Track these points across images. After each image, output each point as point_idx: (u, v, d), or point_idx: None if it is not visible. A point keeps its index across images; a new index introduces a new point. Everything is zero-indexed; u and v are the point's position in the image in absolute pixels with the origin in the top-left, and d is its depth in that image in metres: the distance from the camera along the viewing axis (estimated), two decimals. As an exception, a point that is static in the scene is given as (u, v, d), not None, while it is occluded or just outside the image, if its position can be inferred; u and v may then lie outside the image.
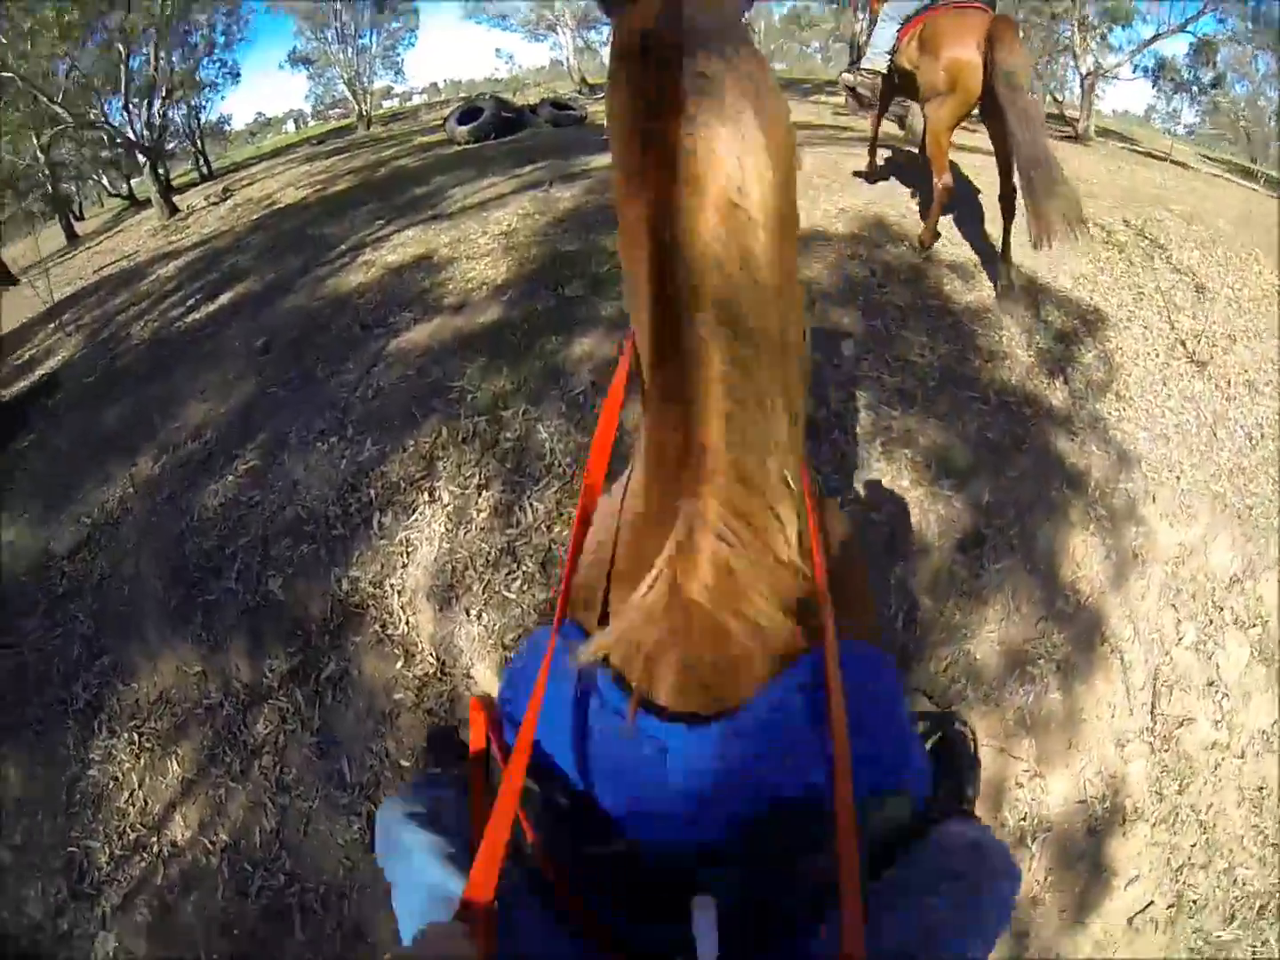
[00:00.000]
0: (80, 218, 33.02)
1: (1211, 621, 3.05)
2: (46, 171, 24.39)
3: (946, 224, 4.86)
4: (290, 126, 58.05)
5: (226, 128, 43.22)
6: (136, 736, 2.78)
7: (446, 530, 3.03)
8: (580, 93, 23.35)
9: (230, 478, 3.48)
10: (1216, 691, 2.88)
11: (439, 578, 2.91)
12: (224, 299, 5.81)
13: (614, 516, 1.03)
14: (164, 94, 16.18)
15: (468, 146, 10.97)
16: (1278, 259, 5.46)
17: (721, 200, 0.70)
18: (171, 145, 28.20)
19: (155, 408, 4.31)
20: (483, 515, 3.06)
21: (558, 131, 11.27)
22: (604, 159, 6.86)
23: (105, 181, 30.08)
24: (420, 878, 1.10)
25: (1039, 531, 3.10)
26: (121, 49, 15.11)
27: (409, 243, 5.51)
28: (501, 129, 11.60)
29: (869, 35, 5.55)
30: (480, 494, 3.12)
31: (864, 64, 5.68)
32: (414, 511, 3.11)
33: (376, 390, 3.70)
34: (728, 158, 0.70)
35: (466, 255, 4.93)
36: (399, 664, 2.75)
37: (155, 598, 3.11)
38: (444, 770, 2.24)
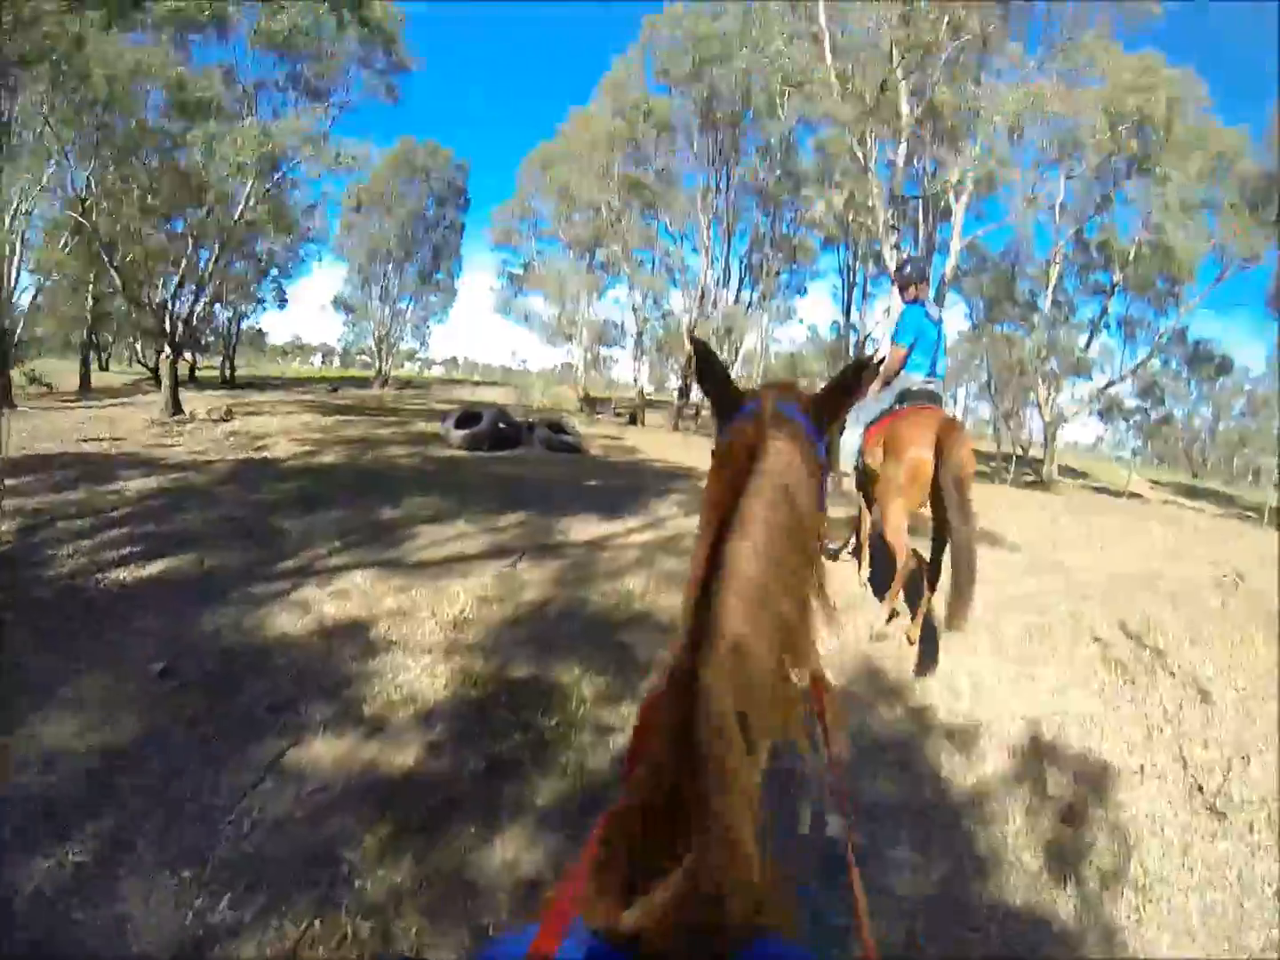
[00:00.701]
0: (105, 368, 33.53)
1: None
2: (89, 316, 25.01)
3: (957, 672, 4.52)
4: (318, 360, 60.95)
5: (265, 339, 45.47)
6: None
7: None
8: (581, 407, 24.50)
9: (49, 867, 2.77)
10: None
11: None
12: (156, 568, 5.35)
13: None
14: (209, 297, 16.61)
15: (458, 454, 11.00)
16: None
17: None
18: (209, 340, 29.58)
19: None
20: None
21: (550, 458, 11.35)
22: (583, 528, 6.71)
23: (138, 347, 31.41)
24: None
25: None
26: (190, 241, 15.75)
27: (354, 592, 5.07)
28: (496, 441, 11.69)
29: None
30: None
31: (841, 469, 5.97)
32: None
33: (256, 823, 3.06)
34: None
35: (406, 644, 4.42)
36: None
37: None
38: None
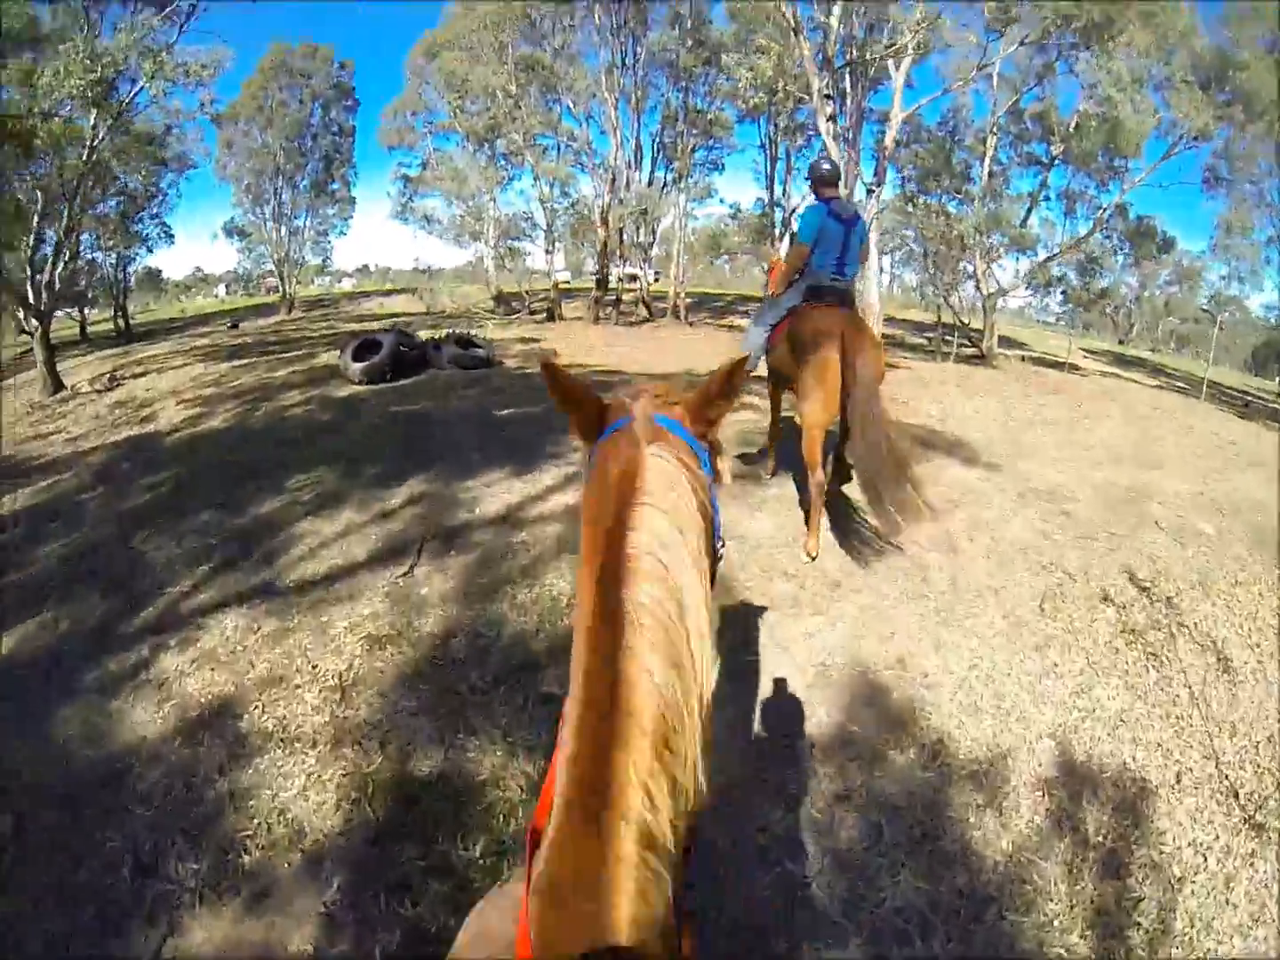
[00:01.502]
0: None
1: None
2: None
3: (972, 678, 3.82)
4: (223, 290, 56.79)
5: (163, 278, 41.79)
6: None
7: None
8: (495, 308, 22.91)
9: None
10: None
11: None
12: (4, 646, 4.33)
13: None
14: (70, 251, 14.49)
15: (358, 389, 9.96)
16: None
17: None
18: (94, 292, 26.65)
19: None
20: None
21: (459, 380, 10.24)
22: (493, 494, 5.76)
23: (20, 315, 27.90)
24: None
25: None
26: (41, 197, 13.64)
27: (220, 651, 4.03)
28: (400, 367, 10.58)
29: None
30: None
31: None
32: None
33: None
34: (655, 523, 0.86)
35: (284, 734, 3.40)
36: None
37: None
38: None
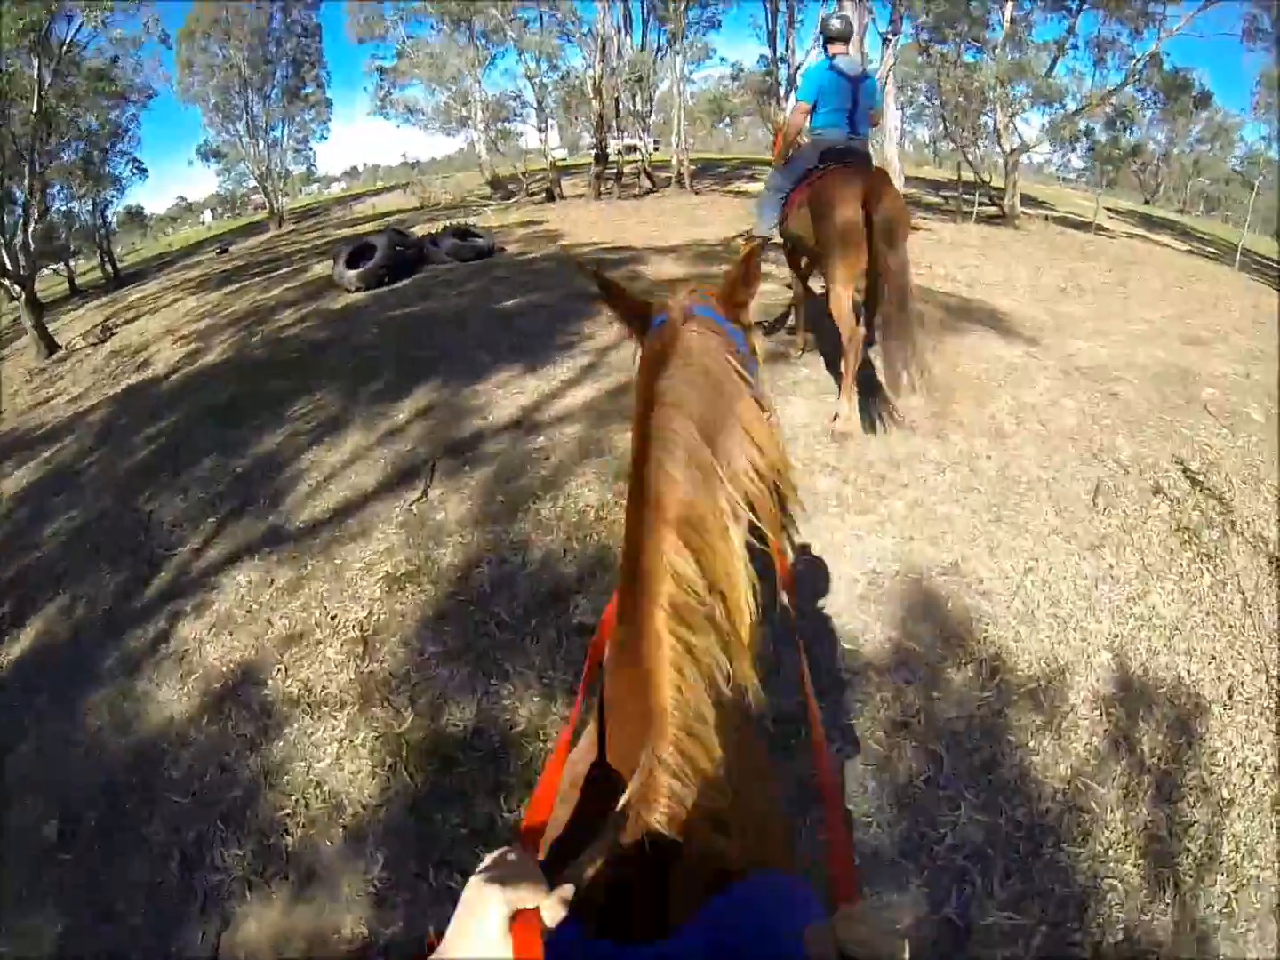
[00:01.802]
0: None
1: None
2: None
3: (1028, 583, 3.55)
4: (208, 216, 54.86)
5: (145, 216, 40.43)
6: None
7: None
8: (491, 194, 21.84)
9: None
10: None
11: None
12: (18, 646, 4.12)
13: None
14: (37, 216, 13.76)
15: (356, 297, 9.44)
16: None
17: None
18: (77, 245, 25.64)
19: None
20: None
21: (460, 275, 9.66)
22: (505, 398, 5.36)
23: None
24: None
25: None
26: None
27: (236, 612, 3.78)
28: (397, 269, 10.04)
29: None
30: None
31: (755, 233, 5.60)
32: None
33: None
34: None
35: (311, 699, 3.15)
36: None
37: None
38: None
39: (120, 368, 9.60)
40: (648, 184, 21.18)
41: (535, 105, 22.21)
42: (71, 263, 25.64)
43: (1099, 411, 5.11)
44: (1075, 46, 18.83)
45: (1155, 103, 20.99)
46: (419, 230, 12.50)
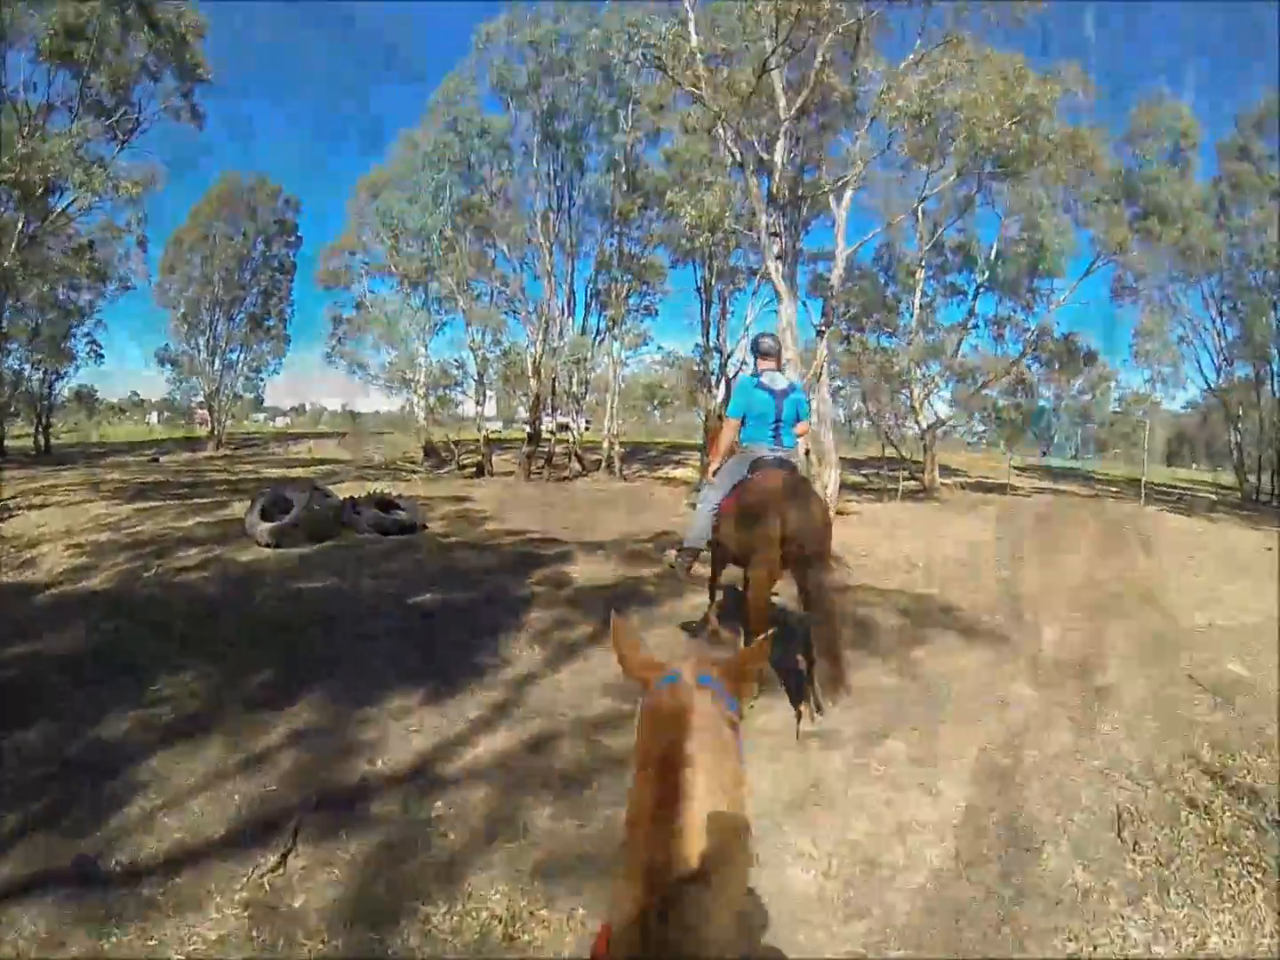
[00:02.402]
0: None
1: None
2: None
3: None
4: (154, 418, 54.63)
5: (96, 398, 40.24)
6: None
7: None
8: (425, 456, 21.87)
9: None
10: None
11: None
12: None
13: None
14: None
15: (262, 554, 8.82)
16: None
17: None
18: (15, 406, 24.84)
19: None
20: None
21: (377, 550, 9.08)
22: (401, 734, 4.50)
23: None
24: None
25: None
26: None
27: None
28: (314, 529, 9.44)
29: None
30: None
31: (686, 544, 5.74)
32: None
33: None
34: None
35: None
36: None
37: None
38: None
39: (2, 558, 8.86)
40: (578, 466, 21.54)
41: (476, 377, 22.89)
42: (6, 424, 24.66)
43: (1093, 717, 4.81)
44: (976, 326, 21.71)
45: (1052, 366, 23.18)
46: (345, 488, 12.32)
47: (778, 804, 3.88)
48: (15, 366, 22.38)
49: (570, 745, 4.44)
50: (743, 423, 5.39)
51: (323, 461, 21.37)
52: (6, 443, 24.35)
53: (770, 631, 4.32)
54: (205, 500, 13.00)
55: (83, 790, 3.95)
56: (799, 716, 4.70)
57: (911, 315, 20.59)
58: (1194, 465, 42.63)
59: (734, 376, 20.78)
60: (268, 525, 9.28)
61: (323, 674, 5.26)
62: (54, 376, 26.17)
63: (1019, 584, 8.10)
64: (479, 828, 3.67)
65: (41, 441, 24.98)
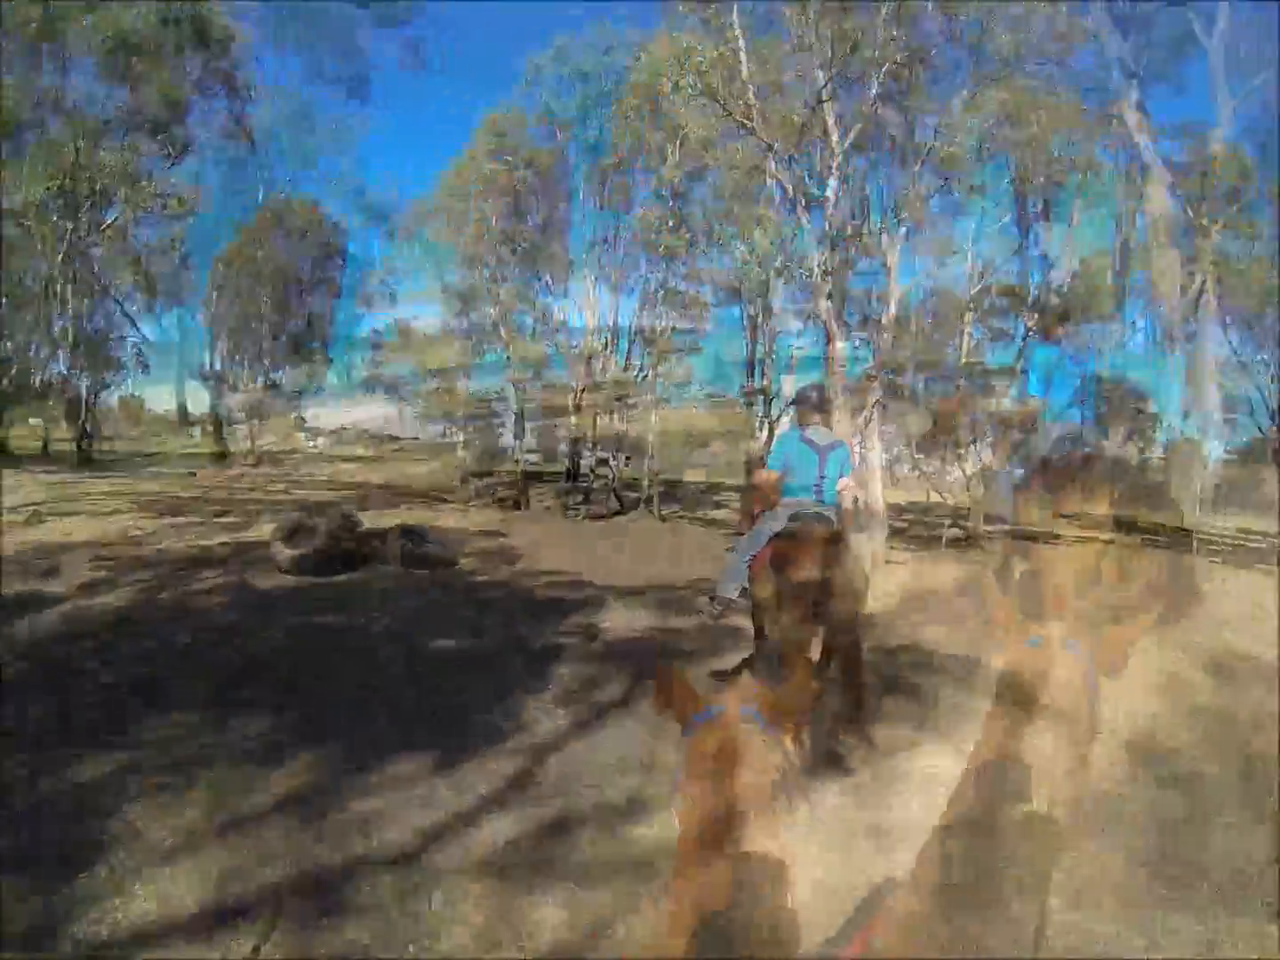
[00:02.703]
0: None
1: None
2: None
3: None
4: (197, 432, 55.38)
5: (146, 409, 40.76)
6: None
7: None
8: (461, 485, 21.58)
9: None
10: None
11: None
12: None
13: None
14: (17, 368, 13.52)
15: (283, 582, 8.55)
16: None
17: None
18: (58, 410, 25.10)
19: None
20: None
21: (403, 586, 8.78)
22: (401, 815, 3.98)
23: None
24: None
25: None
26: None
27: None
28: (339, 560, 9.14)
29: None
30: None
31: (719, 592, 5.59)
32: None
33: None
34: None
35: None
36: None
37: None
38: None
39: (24, 567, 8.64)
40: (615, 504, 21.12)
41: (516, 410, 22.54)
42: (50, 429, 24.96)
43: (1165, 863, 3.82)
44: (1025, 371, 20.41)
45: (1101, 414, 22.29)
46: (375, 516, 12.01)
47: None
48: (62, 371, 22.49)
49: (589, 835, 3.95)
50: (783, 476, 5.35)
51: (357, 485, 21.27)
52: (50, 447, 24.53)
53: (810, 663, 4.25)
54: (235, 519, 12.85)
55: (57, 833, 3.64)
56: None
57: (960, 358, 20.16)
58: (1228, 510, 41.39)
59: (777, 419, 20.41)
60: (290, 552, 8.99)
61: (322, 729, 4.87)
62: (100, 385, 26.30)
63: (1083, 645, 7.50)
64: (478, 932, 3.19)
65: (84, 447, 25.08)
